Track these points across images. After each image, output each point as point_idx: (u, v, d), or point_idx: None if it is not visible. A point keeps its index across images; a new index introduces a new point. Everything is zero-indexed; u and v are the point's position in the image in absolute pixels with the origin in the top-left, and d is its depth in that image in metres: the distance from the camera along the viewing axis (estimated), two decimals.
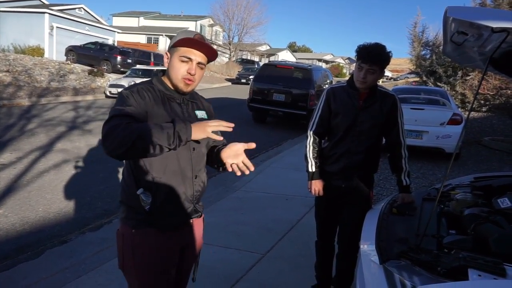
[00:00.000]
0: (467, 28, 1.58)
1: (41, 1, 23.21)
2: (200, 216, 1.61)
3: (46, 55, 19.32)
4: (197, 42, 1.37)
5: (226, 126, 1.34)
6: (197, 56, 1.40)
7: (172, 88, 1.45)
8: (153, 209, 1.41)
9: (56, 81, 13.54)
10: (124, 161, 1.46)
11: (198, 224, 1.61)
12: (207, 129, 1.32)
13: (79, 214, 3.85)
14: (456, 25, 1.62)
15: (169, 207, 1.45)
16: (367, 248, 1.67)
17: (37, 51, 18.33)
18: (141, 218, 1.43)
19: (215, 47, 1.70)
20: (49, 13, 20.68)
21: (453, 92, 11.57)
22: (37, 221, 3.61)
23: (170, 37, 33.55)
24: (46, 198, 4.14)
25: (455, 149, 2.12)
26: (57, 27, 21.04)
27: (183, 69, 1.40)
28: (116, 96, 1.41)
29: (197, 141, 1.44)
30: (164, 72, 1.49)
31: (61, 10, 21.86)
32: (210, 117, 1.55)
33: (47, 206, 3.94)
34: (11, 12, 20.54)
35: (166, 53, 1.45)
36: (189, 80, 1.41)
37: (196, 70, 1.41)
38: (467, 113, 10.44)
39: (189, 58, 1.39)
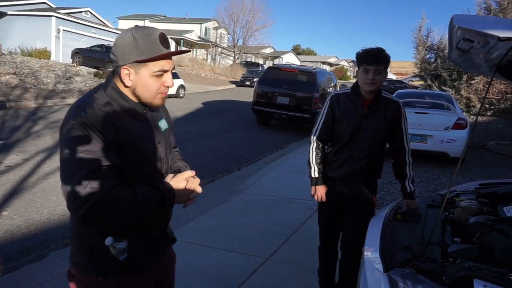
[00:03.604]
0: (473, 36, 1.57)
1: (48, 5, 23.47)
2: (174, 242, 1.45)
3: (53, 57, 19.52)
4: (170, 53, 1.18)
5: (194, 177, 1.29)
6: (170, 63, 1.21)
7: (133, 100, 1.21)
8: (131, 256, 1.20)
9: (62, 83, 13.64)
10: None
11: (170, 250, 1.47)
12: (187, 193, 1.26)
13: None
14: (462, 33, 1.61)
15: (147, 246, 1.27)
16: (371, 255, 1.67)
17: (44, 54, 18.52)
18: (111, 264, 1.20)
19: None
20: (56, 17, 20.88)
21: (458, 96, 11.51)
22: (42, 223, 3.63)
23: (176, 40, 33.69)
24: (51, 200, 4.17)
25: (461, 155, 2.11)
26: (63, 30, 21.23)
27: (158, 84, 1.19)
28: None
29: (167, 163, 1.35)
30: (114, 73, 1.22)
31: (67, 14, 22.07)
32: (169, 125, 1.39)
33: (52, 208, 3.97)
34: (19, 15, 20.79)
35: (126, 68, 1.16)
36: (166, 93, 1.23)
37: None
38: (471, 117, 10.39)
39: (165, 71, 1.19)
